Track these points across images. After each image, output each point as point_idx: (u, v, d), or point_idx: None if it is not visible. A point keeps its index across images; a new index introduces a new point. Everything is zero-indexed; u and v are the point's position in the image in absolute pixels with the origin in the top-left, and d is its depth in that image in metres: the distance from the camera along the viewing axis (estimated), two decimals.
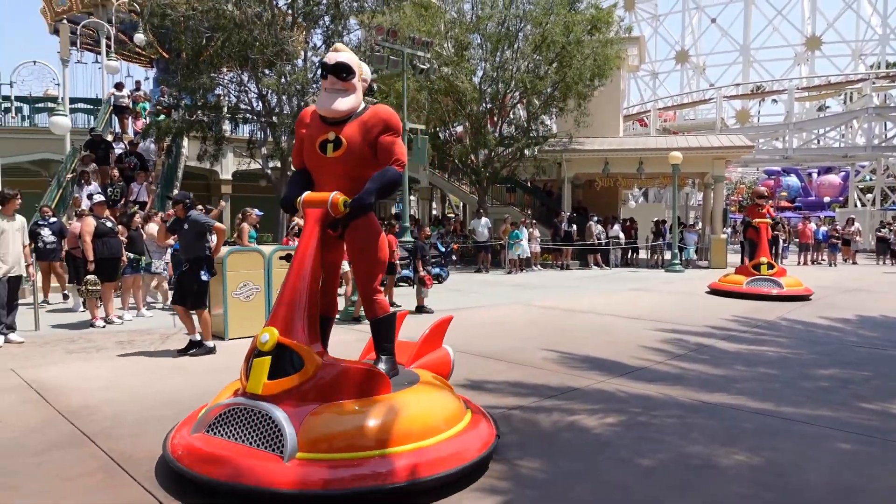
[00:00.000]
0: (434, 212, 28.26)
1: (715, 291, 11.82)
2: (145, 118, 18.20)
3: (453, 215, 28.52)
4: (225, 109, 16.68)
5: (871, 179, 36.07)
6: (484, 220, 17.70)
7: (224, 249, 7.73)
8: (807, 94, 36.99)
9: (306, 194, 3.52)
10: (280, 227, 15.48)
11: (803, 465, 3.58)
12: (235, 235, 10.09)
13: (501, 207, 21.98)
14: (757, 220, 12.22)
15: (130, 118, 18.45)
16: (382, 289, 3.85)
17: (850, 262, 21.24)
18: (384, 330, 3.87)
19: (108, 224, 8.22)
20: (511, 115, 20.02)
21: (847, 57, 45.04)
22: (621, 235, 19.67)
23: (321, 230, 3.45)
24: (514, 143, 18.90)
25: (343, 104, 3.58)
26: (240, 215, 10.11)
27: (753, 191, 13.30)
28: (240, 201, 17.95)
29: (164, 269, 9.58)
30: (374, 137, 3.55)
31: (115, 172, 14.60)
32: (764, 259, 11.80)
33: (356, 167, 3.55)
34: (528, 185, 23.36)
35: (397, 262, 10.72)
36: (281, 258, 7.75)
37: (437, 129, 19.88)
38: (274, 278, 7.62)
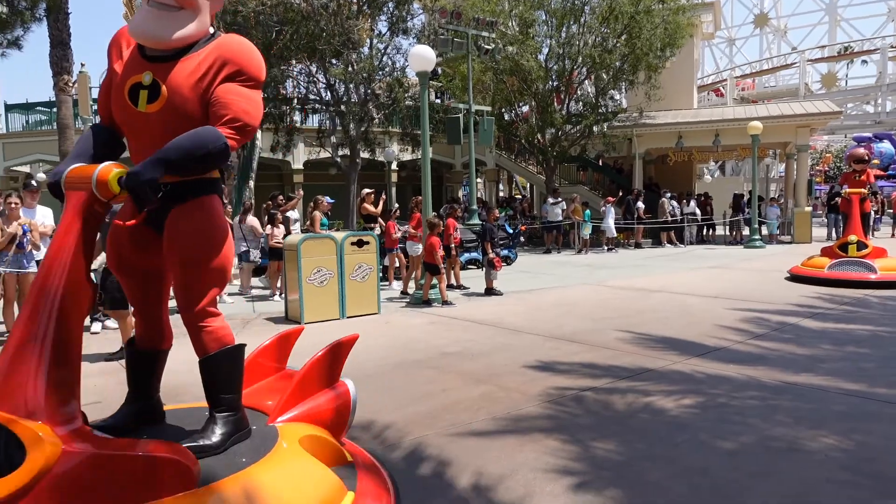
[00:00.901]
0: (501, 193, 28.12)
1: (796, 277, 10.19)
2: None
3: (520, 196, 28.28)
4: (295, 101, 17.14)
5: None
6: (558, 200, 17.35)
7: (298, 237, 8.00)
8: None
9: (71, 168, 2.27)
10: (351, 213, 15.84)
11: None
12: (308, 223, 10.41)
13: (570, 187, 21.61)
14: (850, 189, 10.41)
15: None
16: (219, 310, 2.60)
17: None
18: (219, 373, 2.56)
19: None
20: (578, 92, 19.57)
21: None
22: (697, 211, 18.96)
23: (84, 224, 2.20)
24: (582, 121, 18.50)
25: (169, 29, 2.35)
26: (311, 203, 10.42)
27: (850, 154, 11.56)
28: (311, 189, 18.47)
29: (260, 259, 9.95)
30: (209, 86, 2.38)
31: None
32: (853, 237, 9.97)
33: (183, 131, 2.31)
34: (598, 163, 22.84)
35: (454, 245, 10.73)
36: (353, 244, 7.95)
37: (503, 109, 19.70)
38: (346, 264, 7.84)
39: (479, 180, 29.00)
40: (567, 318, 7.39)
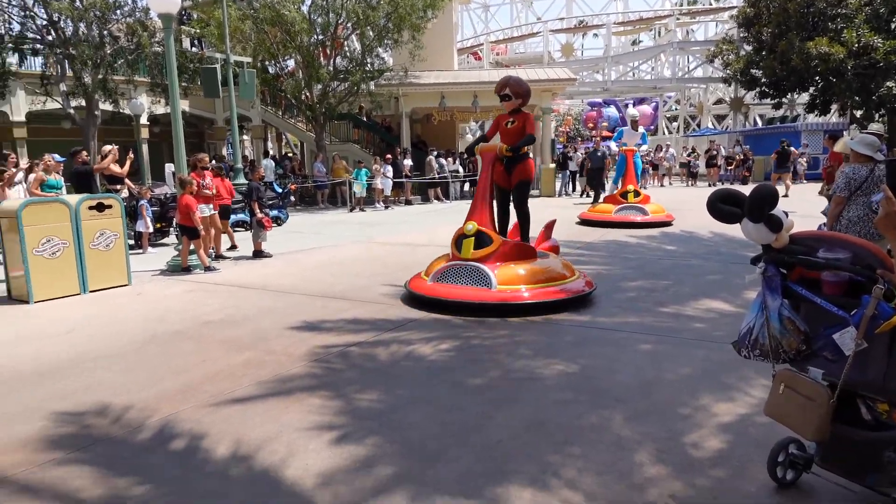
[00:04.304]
0: (271, 151, 26.90)
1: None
2: None
3: (291, 154, 27.40)
4: (6, 38, 14.29)
5: (676, 109, 40.05)
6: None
7: (17, 202, 6.80)
8: (622, 29, 39.67)
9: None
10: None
11: (613, 368, 4.02)
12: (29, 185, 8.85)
13: (341, 145, 21.47)
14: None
15: None
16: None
17: (659, 184, 23.70)
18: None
19: None
20: (345, 48, 19.32)
21: None
22: (460, 169, 20.16)
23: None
24: (349, 77, 18.36)
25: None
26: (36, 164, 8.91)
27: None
28: (39, 147, 15.74)
29: None
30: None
31: None
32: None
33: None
34: (367, 120, 22.97)
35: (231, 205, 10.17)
36: (91, 208, 6.99)
37: (267, 62, 18.70)
38: (84, 231, 6.88)
39: (245, 137, 27.35)
40: (337, 277, 7.40)
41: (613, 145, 12.72)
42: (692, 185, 23.54)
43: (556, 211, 15.09)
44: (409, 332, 4.94)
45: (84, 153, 9.91)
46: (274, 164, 18.67)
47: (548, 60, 34.48)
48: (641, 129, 13.22)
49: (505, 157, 6.05)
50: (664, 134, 38.57)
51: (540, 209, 15.66)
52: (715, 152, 23.42)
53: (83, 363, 4.37)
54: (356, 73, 18.26)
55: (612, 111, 43.15)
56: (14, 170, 9.09)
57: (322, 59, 18.47)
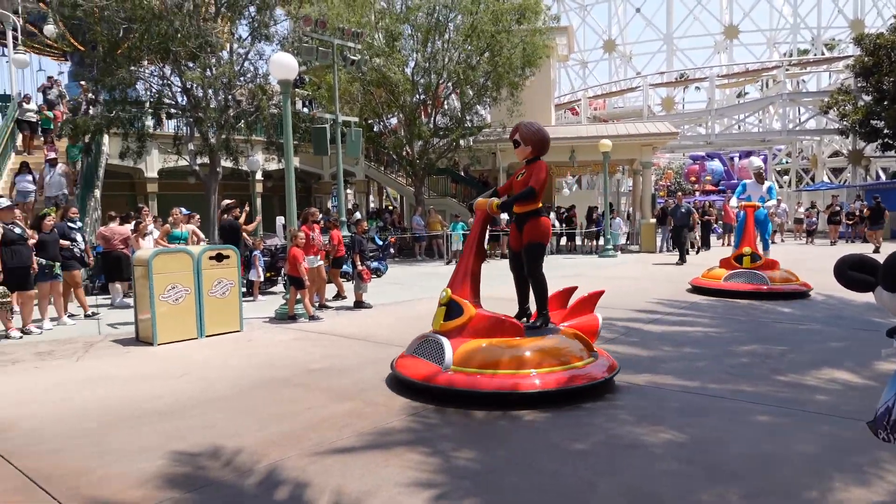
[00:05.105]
0: (372, 205, 28.02)
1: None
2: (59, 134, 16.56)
3: (391, 208, 28.38)
4: (147, 104, 15.97)
5: (787, 162, 38.09)
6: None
7: (149, 251, 7.44)
8: (727, 81, 38.64)
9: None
10: (211, 225, 15.00)
11: (726, 439, 3.76)
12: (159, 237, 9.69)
13: (439, 199, 22.03)
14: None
15: (47, 142, 15.98)
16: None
17: (770, 241, 22.44)
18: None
19: (17, 230, 7.71)
20: (445, 106, 20.06)
21: (762, 45, 47.30)
22: (556, 223, 20.06)
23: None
24: (449, 134, 18.97)
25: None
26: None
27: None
28: (167, 200, 17.27)
29: None
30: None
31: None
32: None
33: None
34: (464, 175, 23.50)
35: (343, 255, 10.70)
36: (211, 258, 7.53)
37: (371, 120, 19.71)
38: (204, 280, 7.40)
39: (349, 191, 28.70)
40: None
41: (734, 201, 11.20)
42: (809, 242, 22.11)
43: (647, 268, 14.61)
44: None
45: (237, 210, 10.77)
46: (368, 216, 19.41)
47: (647, 114, 34.05)
48: (768, 183, 10.97)
49: (516, 216, 5.16)
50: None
51: (629, 265, 15.26)
52: (838, 208, 21.91)
53: (198, 405, 4.63)
54: (455, 129, 18.84)
55: (716, 164, 41.70)
56: (145, 222, 10.04)
57: (423, 116, 19.24)
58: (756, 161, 11.26)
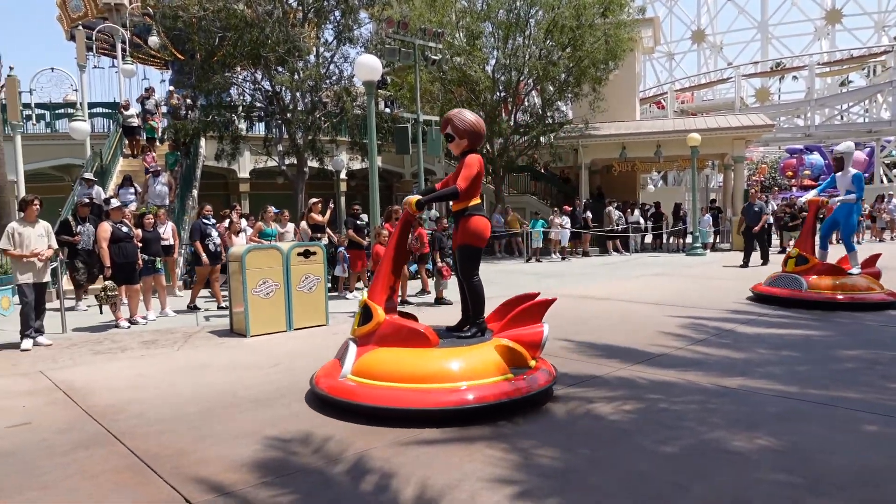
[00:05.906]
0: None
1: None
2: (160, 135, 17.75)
3: None
4: (240, 108, 16.81)
5: None
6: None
7: (242, 247, 7.83)
8: (828, 70, 36.21)
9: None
10: (298, 222, 15.55)
11: (828, 449, 3.53)
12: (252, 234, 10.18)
13: (519, 196, 21.91)
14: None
15: (146, 151, 17.01)
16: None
17: (877, 239, 20.84)
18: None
19: (124, 229, 8.37)
20: (525, 103, 19.91)
21: (869, 29, 43.97)
22: (641, 220, 19.49)
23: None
24: (530, 131, 18.81)
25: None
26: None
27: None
28: (258, 199, 18.11)
29: None
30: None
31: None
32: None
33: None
34: (545, 172, 23.24)
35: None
36: (299, 254, 7.82)
37: None
38: (293, 275, 7.70)
39: None
40: None
41: (812, 194, 9.74)
42: None
43: (738, 267, 13.93)
44: (589, 389, 4.79)
45: (357, 206, 11.31)
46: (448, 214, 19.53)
47: (740, 106, 32.43)
48: (852, 171, 8.92)
49: (454, 215, 4.78)
50: (882, 182, 34.05)
51: (717, 263, 14.54)
52: None
53: (290, 393, 4.83)
54: (536, 126, 18.66)
55: (815, 158, 39.19)
56: (237, 219, 10.56)
57: (504, 114, 19.18)
58: (844, 145, 9.23)
